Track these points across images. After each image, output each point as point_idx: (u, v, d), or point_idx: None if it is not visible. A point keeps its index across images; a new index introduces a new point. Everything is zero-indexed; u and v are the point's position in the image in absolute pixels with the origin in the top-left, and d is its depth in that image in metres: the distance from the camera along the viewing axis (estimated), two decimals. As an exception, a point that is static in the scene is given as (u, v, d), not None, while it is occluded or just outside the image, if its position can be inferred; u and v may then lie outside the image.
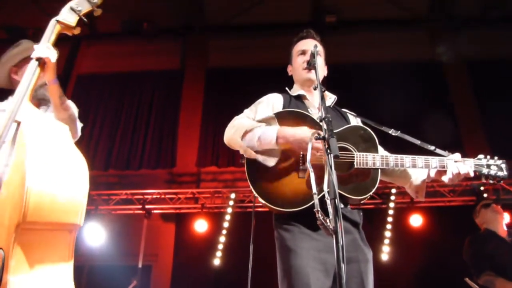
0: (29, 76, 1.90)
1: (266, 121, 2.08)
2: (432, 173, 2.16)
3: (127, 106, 8.33)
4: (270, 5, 8.63)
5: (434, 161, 2.13)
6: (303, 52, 2.45)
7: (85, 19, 2.18)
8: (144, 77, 8.64)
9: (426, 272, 6.31)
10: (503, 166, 2.17)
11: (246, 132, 2.06)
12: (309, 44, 2.37)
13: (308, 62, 2.27)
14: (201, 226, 6.84)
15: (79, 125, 2.37)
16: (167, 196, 7.00)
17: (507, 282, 3.65)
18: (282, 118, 2.18)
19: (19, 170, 1.58)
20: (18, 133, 1.68)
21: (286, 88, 2.53)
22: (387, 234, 6.64)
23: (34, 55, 1.99)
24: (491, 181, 2.16)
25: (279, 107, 2.32)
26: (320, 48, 2.47)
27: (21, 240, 1.52)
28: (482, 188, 6.64)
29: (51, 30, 2.13)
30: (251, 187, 2.05)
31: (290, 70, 2.60)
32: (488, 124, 7.64)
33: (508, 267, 3.77)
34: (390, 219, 6.71)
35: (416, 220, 6.79)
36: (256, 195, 2.03)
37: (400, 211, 6.84)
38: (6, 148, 1.67)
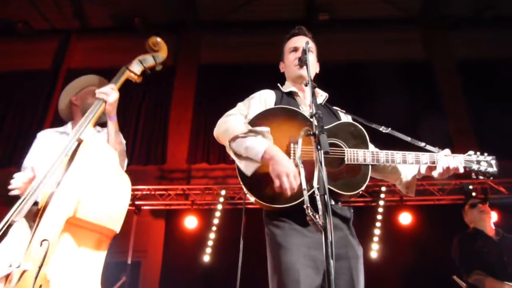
0: (94, 107, 2.32)
1: (261, 133, 2.06)
2: (423, 169, 2.18)
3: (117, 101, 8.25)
4: (263, 2, 8.63)
5: (424, 157, 2.15)
6: (295, 49, 2.45)
7: (149, 71, 2.68)
8: (136, 73, 8.57)
9: (415, 269, 6.36)
10: (493, 162, 2.19)
11: (236, 137, 2.05)
12: (301, 41, 2.36)
13: (300, 59, 2.27)
14: (191, 222, 6.83)
15: (126, 160, 2.71)
16: (157, 192, 6.97)
17: (497, 281, 3.68)
18: (273, 114, 2.18)
19: (75, 176, 1.96)
20: (78, 150, 2.07)
21: (278, 85, 2.52)
22: (377, 232, 6.68)
23: (98, 92, 2.38)
24: (481, 177, 2.17)
25: (271, 104, 2.31)
26: (312, 45, 2.48)
27: (66, 234, 1.87)
28: (470, 187, 6.70)
29: (120, 75, 2.54)
30: (241, 183, 2.04)
31: (282, 67, 2.59)
32: (478, 124, 7.71)
33: (496, 266, 3.81)
34: (379, 217, 6.76)
35: (405, 218, 6.84)
36: (247, 191, 2.02)
37: (389, 209, 6.88)
38: (63, 165, 2.05)
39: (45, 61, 8.84)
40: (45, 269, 1.77)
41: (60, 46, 9.05)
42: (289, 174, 1.87)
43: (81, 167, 1.99)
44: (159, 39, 2.71)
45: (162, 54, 2.72)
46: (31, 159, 2.61)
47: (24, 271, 1.79)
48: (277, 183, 1.89)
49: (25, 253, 1.84)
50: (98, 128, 2.80)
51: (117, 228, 2.02)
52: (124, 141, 2.68)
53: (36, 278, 1.75)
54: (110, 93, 2.38)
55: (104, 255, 2.05)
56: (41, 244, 1.83)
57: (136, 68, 2.61)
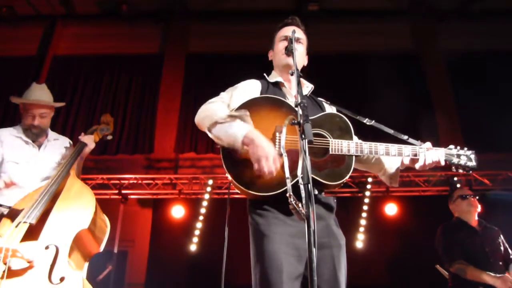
0: (76, 151, 3.04)
1: (240, 116, 2.04)
2: (406, 161, 2.21)
3: (104, 89, 8.19)
4: (252, -9, 8.57)
5: (407, 149, 2.17)
6: (285, 38, 2.43)
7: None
8: (122, 61, 8.49)
9: (399, 259, 6.46)
10: (472, 156, 2.23)
11: (216, 123, 2.03)
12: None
13: (286, 48, 2.27)
14: (178, 212, 6.83)
15: None
16: (144, 181, 6.95)
17: (478, 270, 3.75)
18: (259, 104, 2.17)
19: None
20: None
21: (264, 74, 2.51)
22: (362, 222, 6.76)
23: (84, 140, 3.15)
24: (460, 171, 2.22)
25: (256, 93, 2.31)
26: (303, 37, 2.48)
27: (75, 244, 2.49)
28: (455, 178, 6.80)
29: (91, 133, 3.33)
30: (225, 170, 2.04)
31: (271, 55, 2.59)
32: (464, 115, 7.79)
33: (478, 256, 3.87)
34: (365, 207, 6.83)
35: (391, 209, 6.92)
36: (231, 178, 2.02)
37: (375, 199, 6.96)
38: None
39: (31, 47, 8.69)
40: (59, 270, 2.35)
41: (45, 32, 8.90)
42: (268, 157, 1.85)
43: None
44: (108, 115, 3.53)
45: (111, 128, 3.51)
46: None
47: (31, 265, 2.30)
48: (256, 166, 1.88)
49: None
50: (54, 135, 3.34)
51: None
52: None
53: (50, 274, 2.31)
54: (91, 142, 3.21)
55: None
56: (47, 248, 2.38)
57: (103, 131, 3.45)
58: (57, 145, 3.29)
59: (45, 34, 8.88)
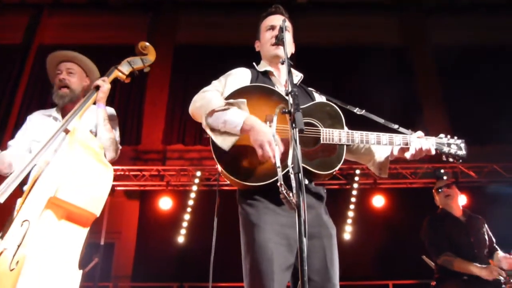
0: (86, 99, 2.56)
1: (236, 104, 2.02)
2: (396, 150, 2.20)
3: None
4: (241, -18, 8.49)
5: (398, 138, 2.17)
6: (272, 28, 2.41)
7: (137, 73, 2.90)
8: (109, 51, 8.32)
9: (386, 250, 6.53)
10: (462, 145, 2.24)
11: (213, 111, 2.01)
12: (278, 20, 2.33)
13: (277, 37, 2.24)
14: (165, 203, 6.80)
15: (119, 147, 2.78)
16: (132, 173, 6.89)
17: (465, 262, 3.79)
18: (249, 92, 2.15)
19: (60, 162, 2.15)
20: (65, 137, 2.29)
21: (254, 64, 2.49)
22: (350, 214, 6.81)
23: (94, 84, 2.66)
24: (451, 159, 2.22)
25: (247, 82, 2.28)
26: (288, 24, 2.44)
27: (47, 214, 2.00)
28: (442, 171, 6.87)
29: (109, 74, 2.78)
30: (216, 161, 2.02)
31: (257, 45, 2.56)
32: (452, 109, 7.87)
33: (463, 246, 3.92)
34: (353, 199, 6.87)
35: (378, 201, 6.98)
36: (221, 169, 2.00)
37: (363, 191, 7.00)
38: (52, 149, 2.29)
39: (16, 35, 8.53)
40: (24, 248, 1.89)
41: (31, 20, 8.74)
42: (270, 142, 1.85)
43: (65, 154, 2.16)
44: (147, 44, 2.91)
45: (151, 57, 2.91)
46: (18, 140, 2.73)
47: (3, 249, 1.94)
48: (259, 152, 1.87)
49: (6, 233, 2.00)
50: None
51: (96, 211, 2.15)
52: (114, 131, 2.77)
53: (14, 255, 1.88)
54: (105, 82, 2.67)
55: (84, 238, 2.17)
56: (21, 225, 1.98)
57: (124, 68, 2.83)
58: (89, 117, 2.71)
59: (31, 23, 8.73)
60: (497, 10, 8.67)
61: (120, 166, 6.81)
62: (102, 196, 2.21)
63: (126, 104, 7.95)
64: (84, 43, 8.41)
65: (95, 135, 2.64)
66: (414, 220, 4.75)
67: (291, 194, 1.48)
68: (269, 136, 1.87)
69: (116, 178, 6.82)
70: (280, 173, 1.54)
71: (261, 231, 1.93)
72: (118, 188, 6.94)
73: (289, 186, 1.49)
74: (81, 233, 2.15)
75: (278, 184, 1.50)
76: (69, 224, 2.10)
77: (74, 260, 2.07)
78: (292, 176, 1.49)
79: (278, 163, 1.57)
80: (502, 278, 3.65)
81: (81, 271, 2.07)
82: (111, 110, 2.85)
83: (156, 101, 8.05)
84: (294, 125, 1.57)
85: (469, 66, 7.99)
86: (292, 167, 1.51)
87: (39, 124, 2.78)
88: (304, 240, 1.40)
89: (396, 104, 7.21)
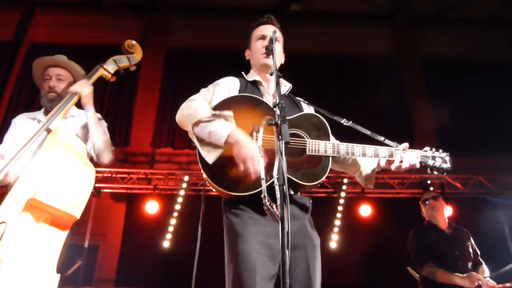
0: (67, 100, 2.44)
1: (224, 116, 2.02)
2: (382, 162, 2.21)
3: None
4: (236, -12, 8.53)
5: (383, 150, 2.18)
6: (263, 37, 2.42)
7: (123, 71, 2.81)
8: (101, 52, 8.25)
9: (372, 260, 6.55)
10: (447, 158, 2.25)
11: (199, 121, 2.01)
12: (269, 30, 2.34)
13: (267, 48, 2.25)
14: (152, 207, 6.76)
15: (112, 148, 2.73)
16: (119, 175, 6.84)
17: (447, 273, 3.84)
18: (237, 102, 2.15)
19: (39, 163, 2.10)
20: (46, 138, 2.23)
21: (243, 73, 2.49)
22: (337, 222, 6.82)
23: (73, 88, 2.51)
24: (435, 172, 2.24)
25: (235, 92, 2.29)
26: (279, 35, 2.46)
27: (25, 217, 1.96)
28: (429, 181, 6.93)
29: (94, 72, 2.66)
30: (202, 170, 2.01)
31: (248, 54, 2.56)
32: (439, 120, 7.94)
33: (447, 259, 3.97)
34: (340, 208, 6.88)
35: (365, 210, 7.01)
36: (206, 177, 2.00)
37: (350, 200, 7.02)
38: (31, 151, 2.20)
39: (7, 32, 8.44)
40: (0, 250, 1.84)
41: (23, 17, 8.66)
42: (254, 158, 1.85)
43: (46, 155, 2.12)
44: (134, 42, 2.86)
45: (137, 56, 2.86)
46: (4, 146, 2.66)
47: None
48: (241, 167, 1.88)
49: None
50: (72, 111, 2.79)
51: (76, 214, 2.11)
52: (107, 131, 2.74)
53: None
54: (84, 86, 2.53)
55: (63, 240, 2.13)
56: None
57: (110, 67, 2.73)
58: (71, 123, 2.70)
59: (22, 20, 8.65)
60: (485, 25, 8.82)
61: (107, 168, 6.75)
62: (83, 198, 2.16)
63: (116, 104, 7.89)
64: (76, 43, 8.37)
65: (85, 140, 2.61)
66: (400, 230, 4.78)
67: (274, 206, 1.48)
68: (253, 151, 1.87)
69: (103, 180, 6.77)
70: (264, 185, 1.54)
71: (245, 241, 1.93)
72: (105, 190, 6.88)
73: (274, 197, 1.49)
74: (60, 236, 2.11)
75: (262, 196, 1.50)
76: (47, 227, 2.06)
77: (52, 264, 2.03)
78: (277, 188, 1.50)
79: (263, 175, 1.57)
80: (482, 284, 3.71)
81: (59, 275, 2.03)
82: (98, 115, 2.75)
83: (146, 103, 8.02)
84: (280, 137, 1.58)
85: (457, 78, 8.07)
86: (277, 179, 1.51)
87: (23, 127, 2.72)
88: (287, 252, 1.40)
89: (383, 113, 7.28)
